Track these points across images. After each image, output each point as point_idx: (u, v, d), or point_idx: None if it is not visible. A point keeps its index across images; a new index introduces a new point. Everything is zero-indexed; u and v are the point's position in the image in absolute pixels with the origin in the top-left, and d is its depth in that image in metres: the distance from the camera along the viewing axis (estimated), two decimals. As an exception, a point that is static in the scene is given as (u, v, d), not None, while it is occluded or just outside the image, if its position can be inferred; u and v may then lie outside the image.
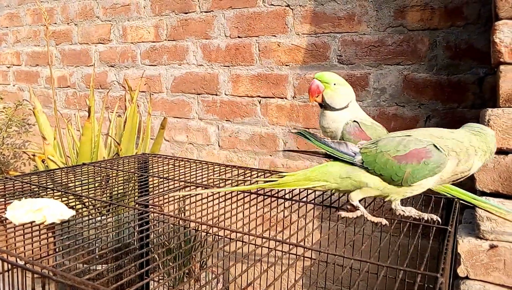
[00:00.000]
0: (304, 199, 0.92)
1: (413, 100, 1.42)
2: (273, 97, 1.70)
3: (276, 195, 0.94)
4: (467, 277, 0.94)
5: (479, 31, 1.31)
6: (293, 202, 0.93)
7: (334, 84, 0.94)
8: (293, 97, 1.66)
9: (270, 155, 1.73)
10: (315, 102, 0.96)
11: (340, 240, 1.18)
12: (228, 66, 1.81)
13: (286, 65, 1.66)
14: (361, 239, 1.03)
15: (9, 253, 0.56)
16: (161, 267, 1.00)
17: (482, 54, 1.30)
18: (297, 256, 0.69)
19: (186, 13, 1.91)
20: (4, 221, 0.76)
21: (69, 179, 1.12)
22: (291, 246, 0.68)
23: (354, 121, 0.94)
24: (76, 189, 1.05)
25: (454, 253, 0.93)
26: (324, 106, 0.97)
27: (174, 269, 1.25)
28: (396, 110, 1.45)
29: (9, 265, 0.58)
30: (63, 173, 1.13)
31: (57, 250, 1.09)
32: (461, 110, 1.35)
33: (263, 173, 1.15)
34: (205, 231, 0.77)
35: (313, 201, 0.92)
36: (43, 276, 0.52)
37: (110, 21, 2.19)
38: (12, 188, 0.96)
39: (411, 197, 0.96)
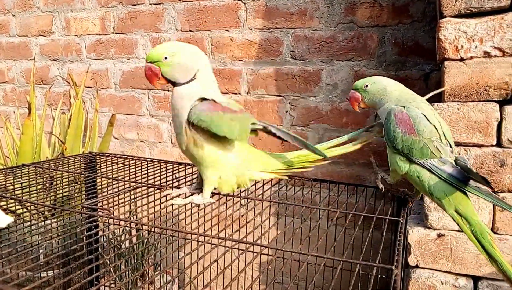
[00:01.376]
0: (260, 197, 0.91)
1: (364, 95, 1.46)
2: (227, 93, 1.68)
3: (231, 193, 0.92)
4: (417, 266, 0.98)
5: (425, 29, 1.36)
6: (249, 200, 0.92)
7: (166, 58, 0.81)
8: (247, 93, 1.64)
9: (225, 152, 1.71)
10: (161, 86, 0.85)
11: (297, 236, 1.19)
12: (180, 61, 1.76)
13: (240, 60, 1.64)
14: (317, 234, 1.04)
15: None
16: (112, 271, 0.96)
17: (427, 51, 1.36)
18: (254, 254, 0.68)
19: (134, 5, 1.83)
20: None
21: (8, 182, 1.04)
22: (248, 245, 0.67)
23: (204, 99, 0.82)
24: (16, 192, 0.98)
25: (404, 243, 0.97)
26: (172, 82, 0.84)
27: (127, 273, 1.20)
28: (347, 105, 1.48)
29: None
30: (1, 175, 1.05)
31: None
32: (409, 105, 1.40)
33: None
34: (159, 232, 0.74)
35: (268, 198, 0.92)
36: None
37: (51, 12, 2.06)
38: None
39: (363, 189, 0.98)
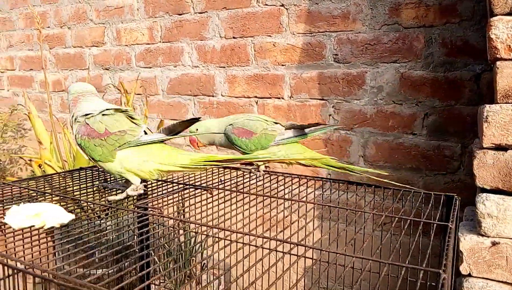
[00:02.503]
0: (304, 199, 0.92)
1: (411, 97, 1.43)
2: (270, 97, 1.70)
3: (275, 195, 0.93)
4: (469, 275, 0.94)
5: (474, 27, 1.31)
6: (293, 202, 0.93)
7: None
8: (290, 97, 1.66)
9: (268, 156, 1.72)
10: None
11: (341, 239, 1.18)
12: (224, 67, 1.80)
13: (282, 65, 1.66)
14: (362, 238, 1.03)
15: (10, 258, 0.56)
16: (161, 269, 0.99)
17: (477, 50, 1.31)
18: (298, 256, 0.68)
19: (180, 14, 1.90)
20: (3, 227, 0.76)
21: (67, 184, 1.11)
22: (292, 246, 0.68)
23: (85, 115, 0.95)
24: (75, 193, 1.04)
25: (455, 251, 0.93)
26: None
27: (175, 271, 1.25)
28: (394, 108, 1.46)
29: (10, 270, 0.57)
30: (61, 178, 1.12)
31: (56, 254, 1.08)
32: (459, 107, 1.36)
33: (261, 174, 1.14)
34: (205, 233, 0.77)
35: (312, 201, 0.92)
36: (44, 280, 0.51)
37: (103, 23, 2.18)
38: (10, 193, 0.95)
39: (410, 194, 0.95)
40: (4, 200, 0.93)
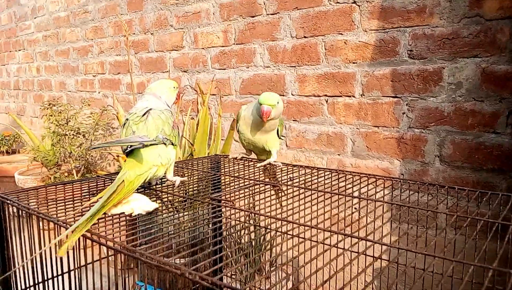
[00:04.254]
0: (373, 197, 0.92)
1: (493, 94, 1.34)
2: (340, 96, 1.69)
3: (343, 193, 0.94)
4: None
5: None
6: (362, 200, 0.93)
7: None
8: (361, 95, 1.64)
9: (338, 155, 1.72)
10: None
11: (411, 240, 1.15)
12: (295, 67, 1.83)
13: (354, 63, 1.64)
14: (433, 239, 0.99)
15: (107, 239, 0.64)
16: (233, 264, 1.05)
17: None
18: (368, 257, 0.69)
19: (252, 16, 1.96)
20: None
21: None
22: (368, 244, 0.69)
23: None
24: (156, 187, 1.14)
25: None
26: None
27: (246, 266, 1.30)
28: (474, 105, 1.38)
29: (104, 249, 0.66)
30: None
31: (138, 239, 1.19)
32: (549, 103, 1.25)
33: (330, 172, 1.16)
34: (274, 227, 0.80)
35: (381, 199, 0.91)
36: (133, 258, 0.59)
37: (182, 28, 2.32)
38: (102, 185, 1.08)
39: (487, 196, 0.91)
40: (98, 191, 1.05)
